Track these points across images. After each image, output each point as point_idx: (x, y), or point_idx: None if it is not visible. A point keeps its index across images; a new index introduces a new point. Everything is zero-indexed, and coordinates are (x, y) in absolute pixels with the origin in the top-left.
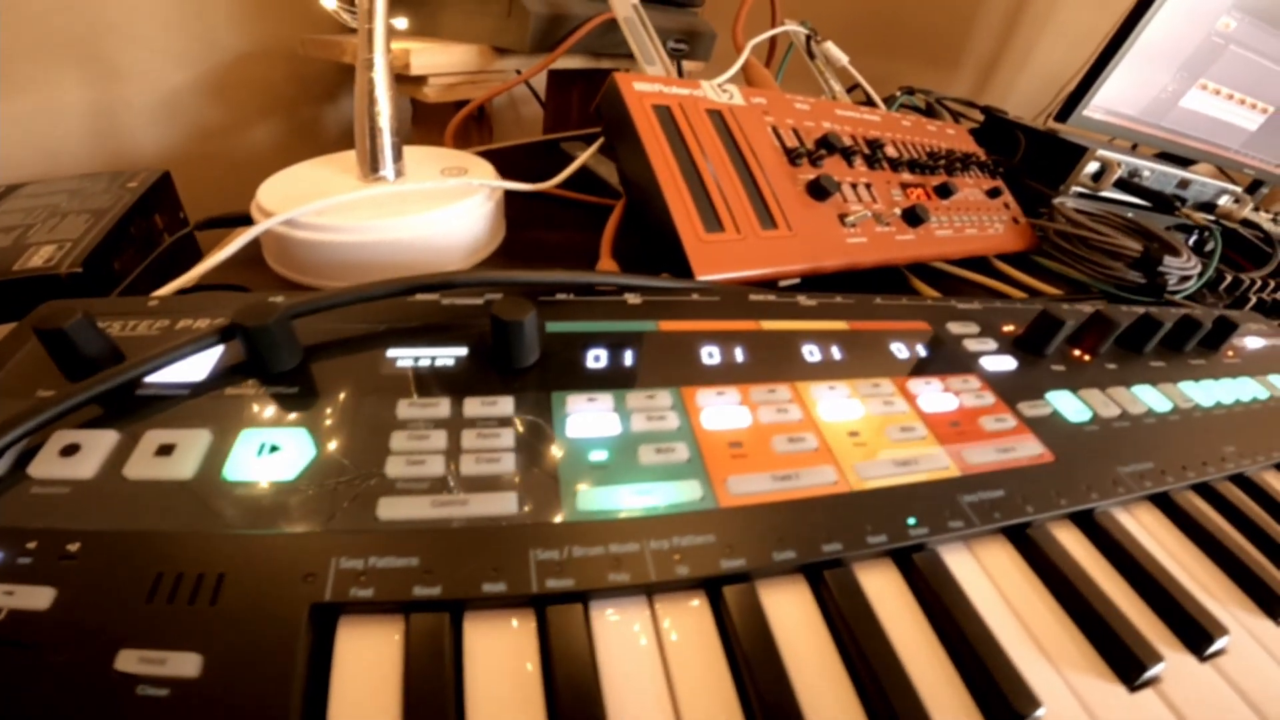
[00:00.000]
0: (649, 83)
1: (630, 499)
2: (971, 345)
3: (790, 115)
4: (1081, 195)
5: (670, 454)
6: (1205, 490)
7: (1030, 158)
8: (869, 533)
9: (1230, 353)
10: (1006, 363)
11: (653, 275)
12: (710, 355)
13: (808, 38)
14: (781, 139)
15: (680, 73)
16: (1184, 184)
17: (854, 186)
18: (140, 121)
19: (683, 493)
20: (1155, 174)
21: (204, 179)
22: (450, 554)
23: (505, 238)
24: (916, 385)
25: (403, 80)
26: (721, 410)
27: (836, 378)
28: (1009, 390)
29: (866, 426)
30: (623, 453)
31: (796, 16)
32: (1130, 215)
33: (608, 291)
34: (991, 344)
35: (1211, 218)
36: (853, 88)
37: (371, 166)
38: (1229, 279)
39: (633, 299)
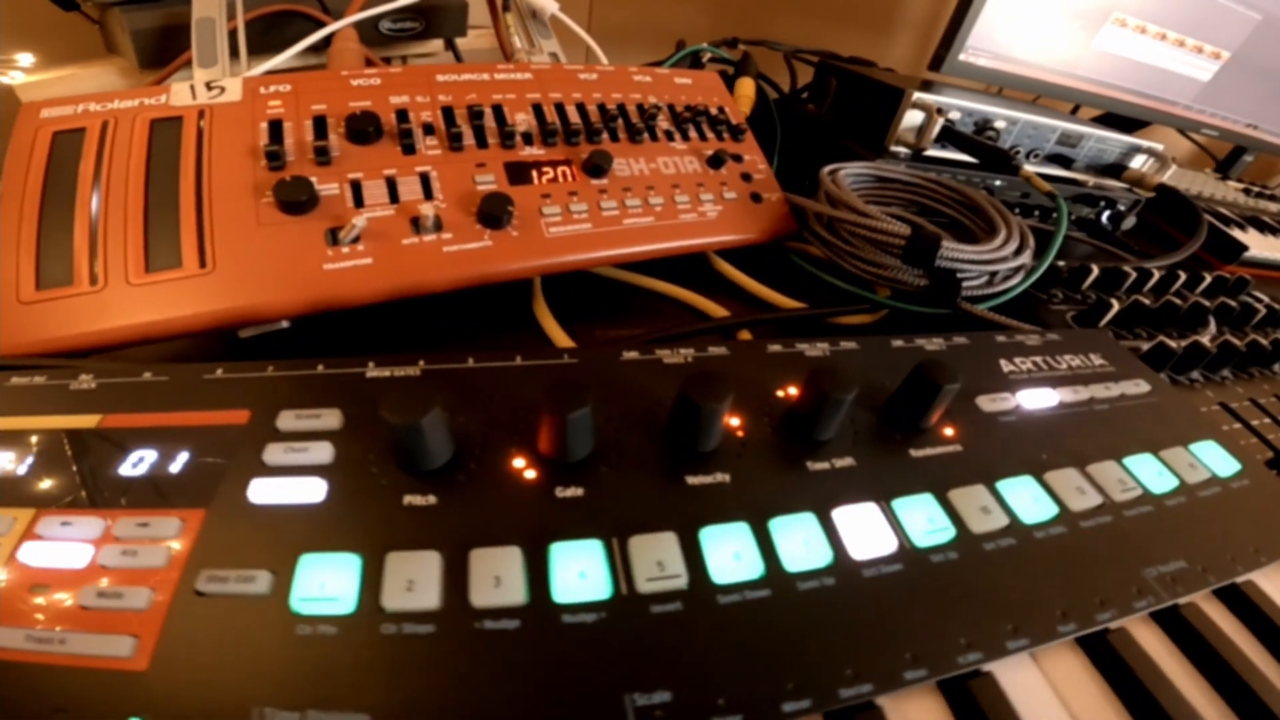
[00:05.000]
0: (68, 104)
1: None
2: (278, 457)
3: (330, 98)
4: (920, 158)
5: None
6: None
7: (853, 111)
8: None
9: (948, 431)
10: (287, 490)
11: None
12: None
13: None
14: (280, 137)
15: (461, 56)
16: (1070, 140)
17: (391, 183)
18: None
19: None
20: (1020, 126)
21: None
22: None
23: None
24: (50, 526)
25: None
26: None
27: None
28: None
29: None
30: None
31: None
32: (997, 185)
33: None
34: (312, 453)
35: (1123, 185)
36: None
37: None
38: (1095, 273)
39: None
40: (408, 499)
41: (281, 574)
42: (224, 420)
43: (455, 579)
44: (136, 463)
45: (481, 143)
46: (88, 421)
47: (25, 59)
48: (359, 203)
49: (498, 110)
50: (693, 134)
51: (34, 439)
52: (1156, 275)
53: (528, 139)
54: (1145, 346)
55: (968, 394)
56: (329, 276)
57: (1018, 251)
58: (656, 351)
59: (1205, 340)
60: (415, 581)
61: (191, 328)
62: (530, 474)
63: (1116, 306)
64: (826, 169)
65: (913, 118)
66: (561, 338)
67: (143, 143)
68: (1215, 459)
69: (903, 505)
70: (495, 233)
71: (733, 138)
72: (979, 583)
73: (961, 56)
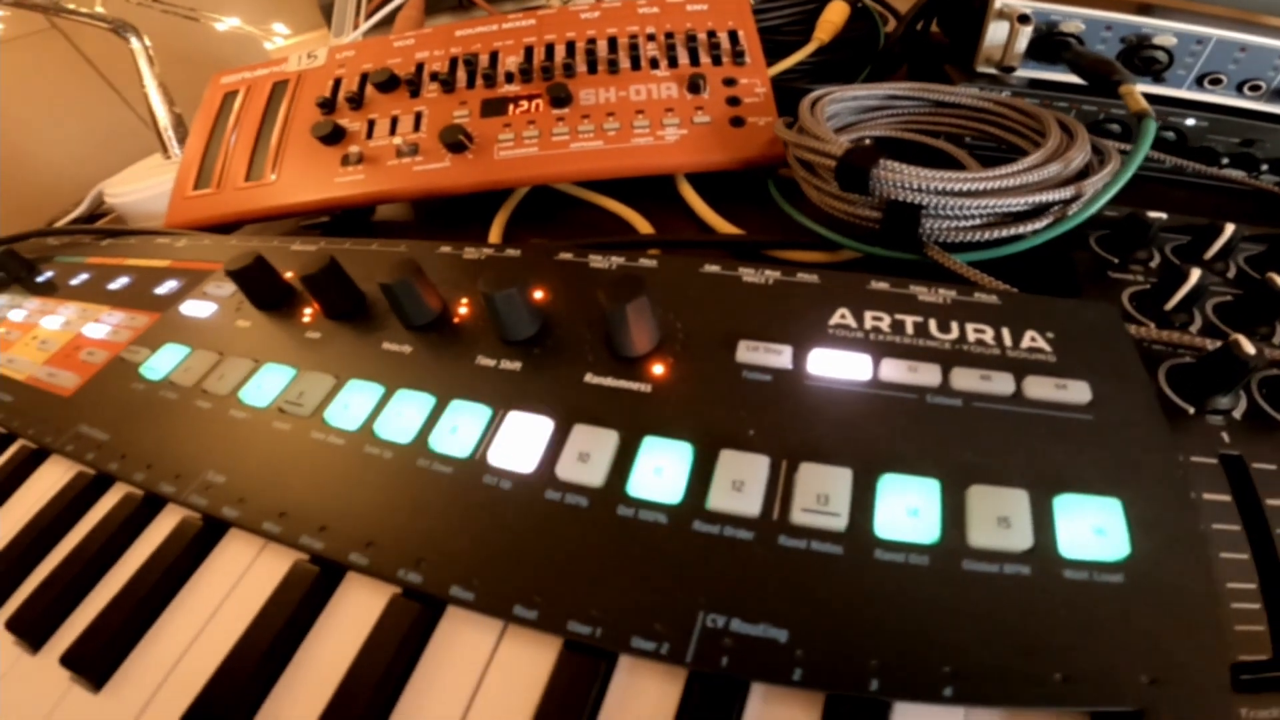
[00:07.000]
0: (237, 73)
1: None
2: (210, 289)
3: (376, 58)
4: (1034, 85)
5: None
6: None
7: (957, 30)
8: None
9: (657, 369)
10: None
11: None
12: None
13: None
14: (337, 91)
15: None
16: None
17: (394, 121)
18: None
19: None
20: (1212, 45)
21: None
22: None
23: None
24: (107, 315)
25: None
26: None
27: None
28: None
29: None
30: None
31: None
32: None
33: None
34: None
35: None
36: None
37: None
38: (1226, 235)
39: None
40: (239, 323)
41: (154, 351)
42: (211, 268)
43: (208, 368)
44: (162, 287)
45: (470, 84)
46: (162, 264)
47: (281, 28)
48: (370, 135)
49: (494, 56)
50: (683, 60)
51: (134, 271)
52: None
53: (510, 78)
54: (1212, 345)
55: (727, 336)
56: (337, 185)
57: (1063, 184)
58: (464, 249)
59: None
60: (190, 367)
61: (265, 214)
62: (307, 316)
63: (1193, 279)
64: (811, 95)
65: (1000, 31)
66: (497, 235)
67: (264, 99)
68: (1085, 530)
69: (515, 420)
70: (455, 156)
71: (734, 62)
72: (486, 525)
73: None
